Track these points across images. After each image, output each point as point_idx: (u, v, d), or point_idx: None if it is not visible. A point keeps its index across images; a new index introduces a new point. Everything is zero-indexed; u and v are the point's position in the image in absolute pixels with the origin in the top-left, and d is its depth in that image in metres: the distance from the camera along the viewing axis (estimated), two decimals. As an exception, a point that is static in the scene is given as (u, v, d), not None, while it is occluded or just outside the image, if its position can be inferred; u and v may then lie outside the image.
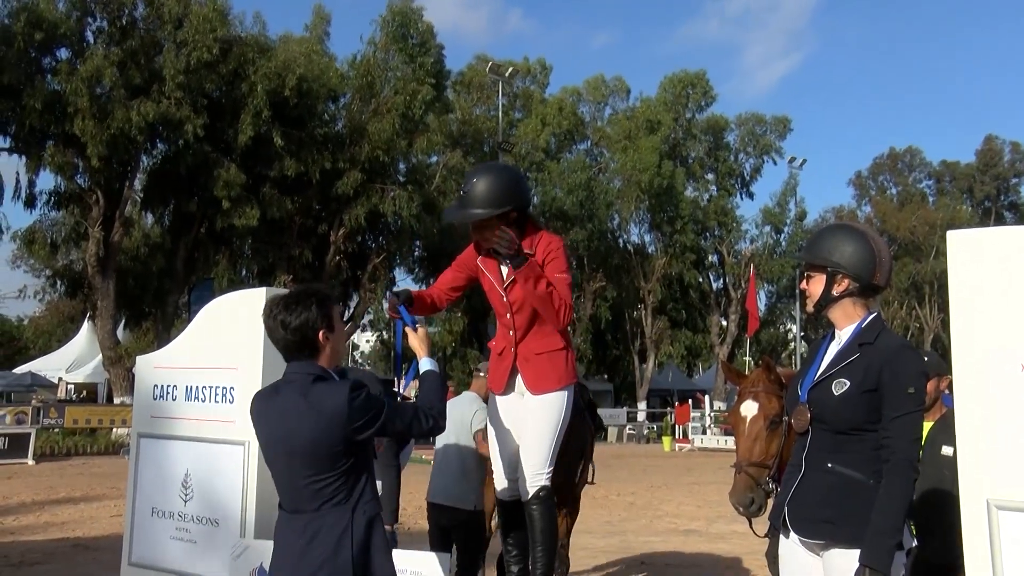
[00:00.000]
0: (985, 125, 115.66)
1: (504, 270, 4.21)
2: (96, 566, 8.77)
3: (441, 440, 6.32)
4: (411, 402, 3.58)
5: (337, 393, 3.08)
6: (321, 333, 3.18)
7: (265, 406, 3.25)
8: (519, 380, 4.26)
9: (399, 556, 4.60)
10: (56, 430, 25.11)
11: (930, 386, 4.23)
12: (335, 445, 3.08)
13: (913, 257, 51.36)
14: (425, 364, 3.67)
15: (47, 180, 60.97)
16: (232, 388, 4.81)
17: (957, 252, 2.79)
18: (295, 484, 3.16)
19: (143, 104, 25.40)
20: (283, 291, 3.41)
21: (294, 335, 3.16)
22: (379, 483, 3.45)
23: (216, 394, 4.86)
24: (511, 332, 4.22)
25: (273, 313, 3.20)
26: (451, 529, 6.16)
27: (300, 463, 3.12)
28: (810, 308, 3.34)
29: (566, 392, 4.22)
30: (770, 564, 3.39)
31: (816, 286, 3.28)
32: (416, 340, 3.89)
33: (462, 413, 6.25)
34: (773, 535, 3.36)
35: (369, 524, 3.14)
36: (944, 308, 48.35)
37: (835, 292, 3.22)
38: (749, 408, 4.07)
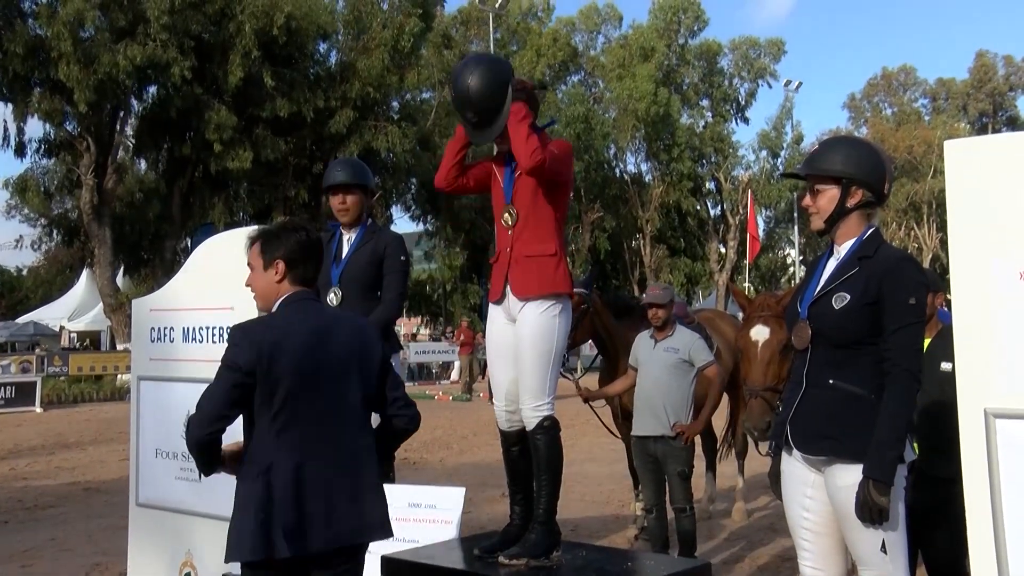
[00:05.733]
0: (977, 40, 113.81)
1: (511, 170, 4.07)
2: (108, 507, 8.89)
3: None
4: None
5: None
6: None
7: (301, 333, 3.05)
8: (510, 287, 4.07)
9: (413, 491, 4.65)
10: (61, 378, 25.26)
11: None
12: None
13: (911, 177, 51.02)
14: None
15: (36, 128, 60.52)
16: (228, 328, 4.80)
17: (955, 161, 2.74)
18: (335, 407, 3.09)
19: (129, 47, 24.89)
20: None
21: None
22: None
23: (213, 334, 4.87)
24: (509, 232, 4.03)
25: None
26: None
27: (350, 381, 3.13)
28: (819, 225, 3.15)
29: (556, 304, 3.97)
30: (772, 483, 3.39)
31: (825, 200, 3.11)
32: None
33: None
34: (775, 453, 3.35)
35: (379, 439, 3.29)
36: (943, 227, 47.99)
37: (849, 204, 3.08)
38: (760, 332, 4.04)
